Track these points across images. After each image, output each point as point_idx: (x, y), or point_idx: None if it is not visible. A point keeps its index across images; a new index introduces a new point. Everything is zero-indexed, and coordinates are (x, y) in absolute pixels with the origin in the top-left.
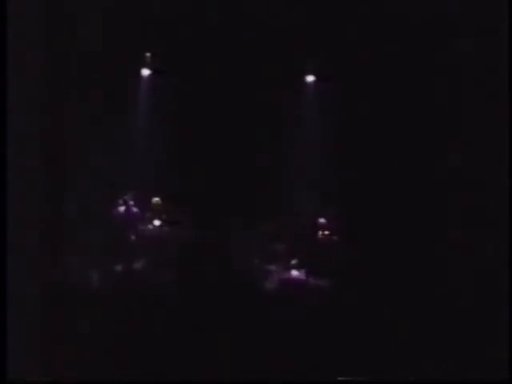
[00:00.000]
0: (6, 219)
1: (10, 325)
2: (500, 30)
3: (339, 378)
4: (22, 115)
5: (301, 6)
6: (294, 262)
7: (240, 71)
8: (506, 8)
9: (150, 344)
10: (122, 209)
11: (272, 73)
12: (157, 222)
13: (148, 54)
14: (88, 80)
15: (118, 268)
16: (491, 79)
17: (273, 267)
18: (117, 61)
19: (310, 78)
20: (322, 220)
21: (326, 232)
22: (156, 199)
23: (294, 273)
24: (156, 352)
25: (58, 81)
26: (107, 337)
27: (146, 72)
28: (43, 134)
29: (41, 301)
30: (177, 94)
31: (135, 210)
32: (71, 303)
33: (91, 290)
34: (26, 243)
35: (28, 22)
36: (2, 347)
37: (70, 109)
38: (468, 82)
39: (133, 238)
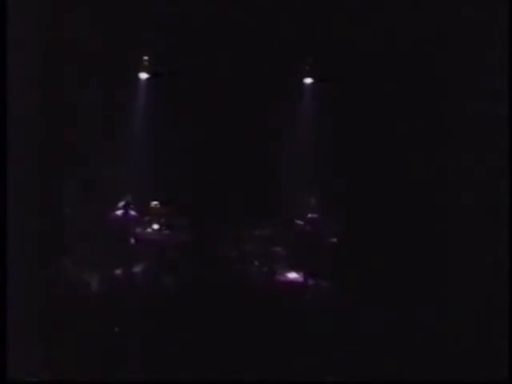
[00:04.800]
0: (6, 220)
1: (10, 325)
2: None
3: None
4: (21, 116)
5: (300, 8)
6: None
7: (238, 73)
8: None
9: (149, 345)
10: (120, 212)
11: (270, 75)
12: (155, 226)
13: (146, 58)
14: (87, 82)
15: (118, 270)
16: (491, 79)
17: (271, 269)
18: (116, 63)
19: (309, 80)
20: (318, 220)
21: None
22: (155, 203)
23: (293, 274)
24: (156, 352)
25: (57, 82)
26: (107, 337)
27: (144, 75)
28: (43, 136)
29: (41, 301)
30: (175, 98)
31: (133, 213)
32: (71, 304)
33: (91, 291)
34: (26, 244)
35: (28, 23)
36: (2, 347)
37: (69, 110)
38: (468, 82)
39: (132, 241)
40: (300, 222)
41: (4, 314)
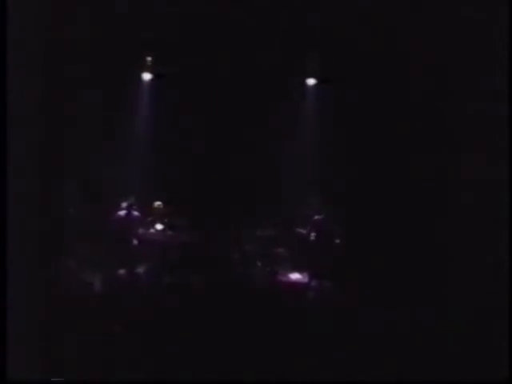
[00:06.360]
0: (6, 220)
1: (10, 325)
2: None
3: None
4: (21, 116)
5: (300, 8)
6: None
7: (238, 73)
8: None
9: (149, 345)
10: (123, 213)
11: (270, 75)
12: (159, 226)
13: (149, 58)
14: (87, 82)
15: (119, 270)
16: (491, 79)
17: (273, 269)
18: (116, 63)
19: (309, 80)
20: (319, 221)
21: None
22: (158, 203)
23: (295, 275)
24: (157, 353)
25: (57, 82)
26: (107, 337)
27: (147, 76)
28: (43, 136)
29: (41, 301)
30: (175, 98)
31: (137, 214)
32: (71, 304)
33: (91, 291)
34: (26, 244)
35: (28, 23)
36: (2, 347)
37: (71, 112)
38: (468, 82)
39: (135, 241)
40: (302, 231)
41: (4, 314)
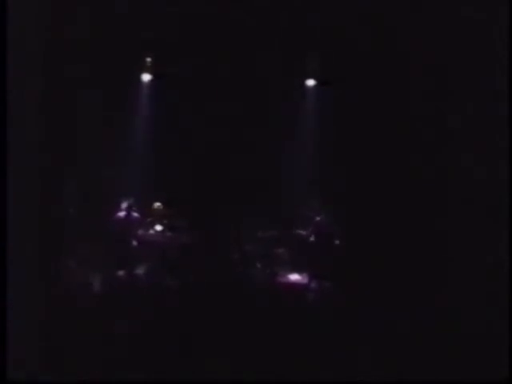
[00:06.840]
0: (6, 220)
1: (10, 325)
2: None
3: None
4: (21, 116)
5: (300, 8)
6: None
7: (238, 74)
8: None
9: (149, 345)
10: (123, 214)
11: (270, 75)
12: (158, 227)
13: (149, 59)
14: (87, 82)
15: (119, 271)
16: (491, 79)
17: (273, 270)
18: (116, 63)
19: (309, 81)
20: (320, 222)
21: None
22: (157, 204)
23: (295, 276)
24: (157, 353)
25: (57, 82)
26: (107, 337)
27: (146, 77)
28: (43, 136)
29: (41, 301)
30: (175, 98)
31: (136, 215)
32: (71, 304)
33: (91, 291)
34: (26, 244)
35: (28, 23)
36: (2, 347)
37: (71, 112)
38: (468, 82)
39: (134, 243)
40: (302, 232)
41: (4, 314)
